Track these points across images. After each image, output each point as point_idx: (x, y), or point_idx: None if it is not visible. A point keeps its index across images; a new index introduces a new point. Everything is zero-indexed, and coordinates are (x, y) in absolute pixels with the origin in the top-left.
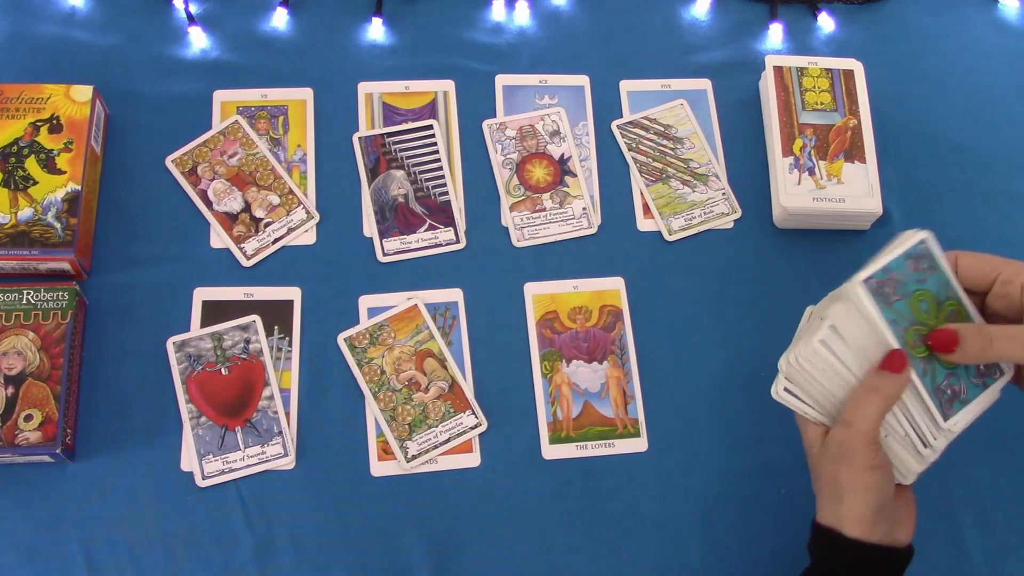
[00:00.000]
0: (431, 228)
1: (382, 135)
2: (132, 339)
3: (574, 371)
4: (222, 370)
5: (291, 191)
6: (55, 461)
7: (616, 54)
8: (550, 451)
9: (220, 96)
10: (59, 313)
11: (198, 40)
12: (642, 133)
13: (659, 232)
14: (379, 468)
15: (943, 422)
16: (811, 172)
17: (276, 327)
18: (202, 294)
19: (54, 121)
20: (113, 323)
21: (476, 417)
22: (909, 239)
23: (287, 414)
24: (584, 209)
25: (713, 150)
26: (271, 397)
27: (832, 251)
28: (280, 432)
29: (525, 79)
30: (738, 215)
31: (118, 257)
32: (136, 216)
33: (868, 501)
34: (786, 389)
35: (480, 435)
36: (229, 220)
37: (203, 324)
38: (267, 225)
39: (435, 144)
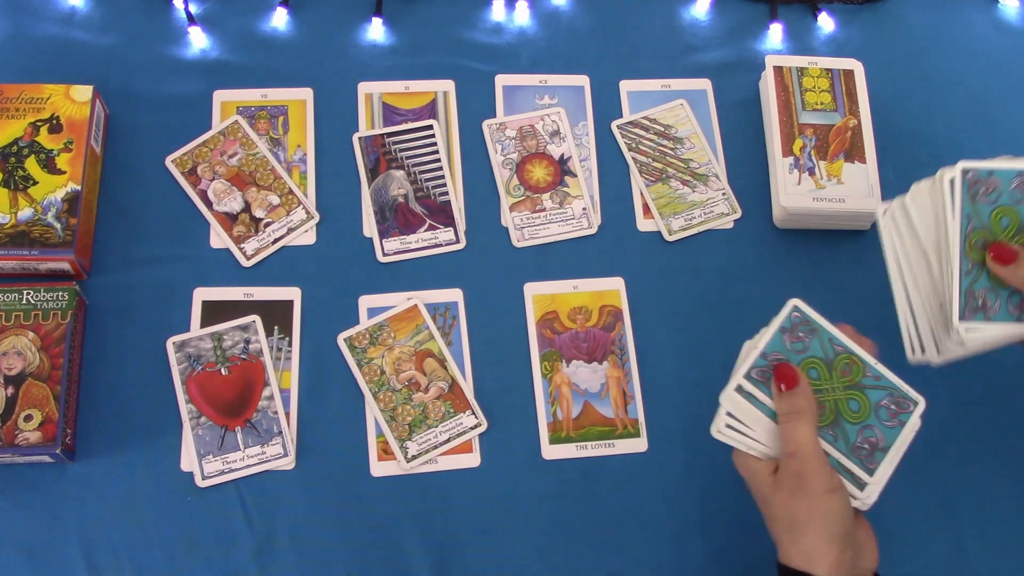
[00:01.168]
0: (431, 228)
1: (382, 135)
2: (132, 339)
3: (574, 371)
4: (222, 370)
5: (291, 191)
6: (55, 461)
7: (616, 54)
8: (550, 451)
9: (220, 96)
10: (59, 313)
11: (198, 40)
12: (642, 133)
13: (659, 232)
14: (379, 468)
15: (869, 478)
16: (811, 172)
17: (276, 327)
18: (202, 294)
19: (54, 121)
20: (113, 323)
21: (476, 417)
22: (780, 315)
23: (287, 414)
24: (584, 209)
25: (713, 150)
26: (271, 397)
27: (832, 251)
28: (280, 432)
29: (525, 79)
30: (738, 215)
31: (118, 257)
32: (136, 216)
33: (832, 528)
34: (728, 425)
35: (480, 435)
36: (229, 220)
37: (203, 324)
38: (267, 225)
39: (435, 144)
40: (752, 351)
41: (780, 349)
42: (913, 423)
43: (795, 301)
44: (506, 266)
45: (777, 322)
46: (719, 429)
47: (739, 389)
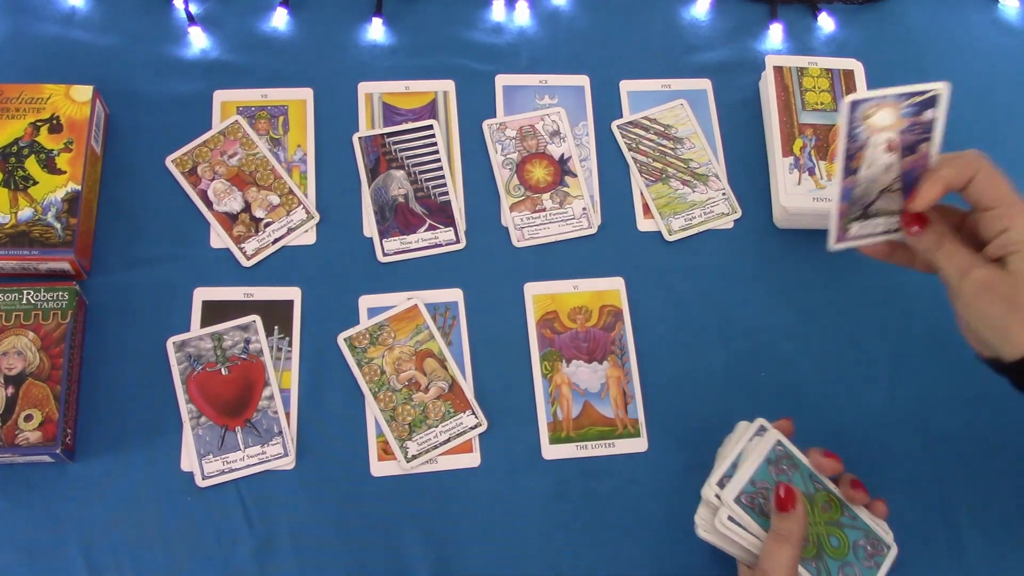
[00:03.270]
0: (431, 228)
1: (382, 135)
2: (132, 339)
3: (574, 371)
4: (222, 370)
5: (291, 191)
6: (55, 461)
7: (616, 54)
8: (550, 451)
9: (220, 96)
10: (59, 313)
11: (198, 40)
12: (642, 133)
13: (659, 232)
14: (379, 468)
15: None
16: (811, 172)
17: (276, 327)
18: (202, 294)
19: (54, 121)
20: (113, 323)
21: (476, 417)
22: (764, 441)
23: (287, 414)
24: (584, 209)
25: (713, 150)
26: (271, 397)
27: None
28: (280, 432)
29: (525, 79)
30: (738, 215)
31: (118, 257)
32: (136, 216)
33: None
34: (730, 518)
35: (480, 435)
36: (229, 220)
37: (203, 324)
38: (267, 225)
39: (435, 144)
40: (727, 460)
41: (767, 479)
42: (886, 567)
43: (767, 426)
44: (506, 266)
45: (761, 452)
46: (705, 529)
47: (731, 518)
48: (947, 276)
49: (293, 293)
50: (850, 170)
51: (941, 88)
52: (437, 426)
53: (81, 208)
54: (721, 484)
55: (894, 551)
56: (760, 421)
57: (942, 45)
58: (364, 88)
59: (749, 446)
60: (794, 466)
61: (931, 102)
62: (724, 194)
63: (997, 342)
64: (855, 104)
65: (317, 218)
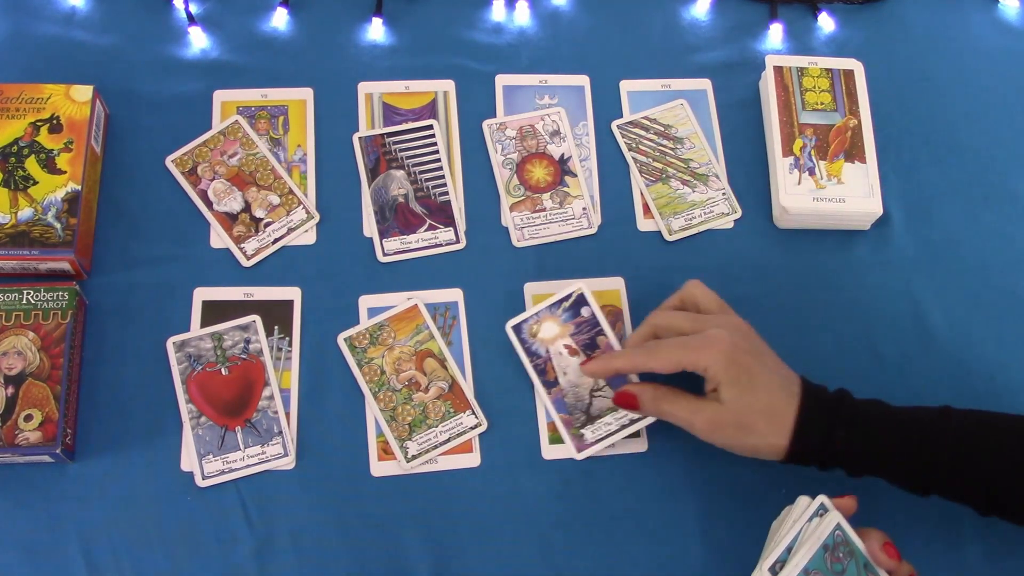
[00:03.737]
0: (431, 228)
1: (382, 135)
2: (132, 339)
3: None
4: (222, 370)
5: (291, 191)
6: (55, 461)
7: (616, 54)
8: (550, 451)
9: (220, 96)
10: (59, 313)
11: (198, 40)
12: (642, 133)
13: (659, 232)
14: (379, 468)
15: None
16: (811, 172)
17: (276, 327)
18: (202, 294)
19: (54, 121)
20: (113, 323)
21: (476, 417)
22: (823, 525)
23: (287, 414)
24: (584, 209)
25: (713, 150)
26: (271, 397)
27: (832, 251)
28: (280, 432)
29: (525, 79)
30: (738, 215)
31: (118, 257)
32: (136, 216)
33: None
34: None
35: (480, 435)
36: (229, 220)
37: (203, 324)
38: (267, 225)
39: (435, 144)
40: (782, 543)
41: (821, 568)
42: None
43: (827, 505)
44: (506, 266)
45: (819, 536)
46: None
47: None
48: (681, 426)
49: (293, 293)
50: (550, 383)
51: (581, 287)
52: (437, 426)
53: (81, 208)
54: (773, 570)
55: None
56: (821, 499)
57: (942, 45)
58: (364, 88)
59: (807, 528)
60: (850, 554)
61: (581, 300)
62: (724, 194)
63: (755, 456)
64: (516, 328)
65: (317, 218)
